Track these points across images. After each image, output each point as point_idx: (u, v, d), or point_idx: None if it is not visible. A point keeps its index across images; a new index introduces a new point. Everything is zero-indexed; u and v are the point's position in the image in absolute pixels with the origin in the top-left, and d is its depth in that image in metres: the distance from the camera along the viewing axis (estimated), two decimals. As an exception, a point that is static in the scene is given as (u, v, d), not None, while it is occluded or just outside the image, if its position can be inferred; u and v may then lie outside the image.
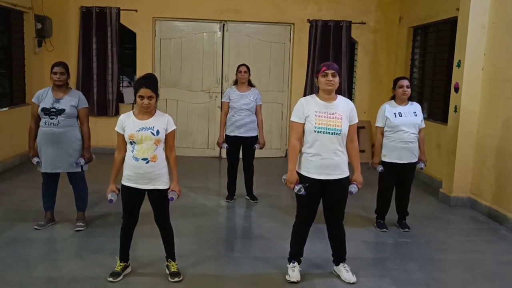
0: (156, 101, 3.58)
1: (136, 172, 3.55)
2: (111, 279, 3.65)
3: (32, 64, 7.83)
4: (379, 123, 4.91)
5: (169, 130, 3.61)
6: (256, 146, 5.73)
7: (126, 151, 3.62)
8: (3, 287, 3.55)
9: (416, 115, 4.86)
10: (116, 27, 8.20)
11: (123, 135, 3.57)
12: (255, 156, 5.86)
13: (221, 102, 6.05)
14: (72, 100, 4.50)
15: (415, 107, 4.91)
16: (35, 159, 4.56)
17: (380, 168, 4.89)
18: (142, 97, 3.48)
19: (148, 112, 3.54)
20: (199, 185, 6.58)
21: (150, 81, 3.55)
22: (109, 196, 3.63)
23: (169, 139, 3.63)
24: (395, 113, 4.81)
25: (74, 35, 8.25)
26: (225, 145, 5.72)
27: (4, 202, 5.49)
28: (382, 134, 4.90)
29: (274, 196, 6.16)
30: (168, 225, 3.77)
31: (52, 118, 4.44)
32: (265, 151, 8.03)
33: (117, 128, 3.60)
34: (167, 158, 3.66)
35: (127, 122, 3.56)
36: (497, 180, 5.50)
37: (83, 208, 4.80)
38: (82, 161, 4.57)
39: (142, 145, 3.52)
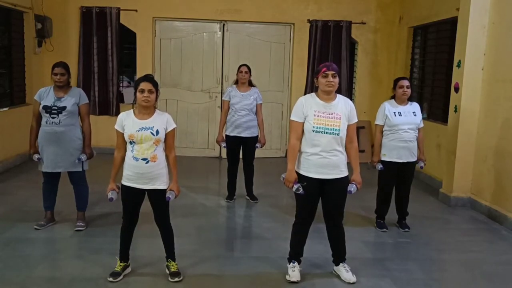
0: (156, 100, 3.59)
1: (135, 172, 3.55)
2: (111, 279, 3.65)
3: (32, 64, 7.83)
4: (378, 121, 4.92)
5: (169, 129, 3.61)
6: (258, 145, 5.73)
7: (126, 149, 3.62)
8: (3, 287, 3.55)
9: (415, 115, 4.87)
10: (116, 27, 8.20)
11: (123, 134, 3.58)
12: (255, 156, 5.87)
13: (222, 101, 6.06)
14: (73, 98, 4.52)
15: (415, 107, 4.91)
16: (36, 156, 4.56)
17: (379, 166, 4.89)
18: (142, 91, 3.49)
19: (147, 107, 3.54)
20: (199, 185, 6.58)
21: (150, 77, 3.60)
22: (109, 195, 3.63)
23: (169, 138, 3.63)
24: (394, 112, 4.82)
25: (74, 35, 8.25)
26: (223, 144, 5.73)
27: (4, 202, 5.49)
28: (381, 133, 4.91)
29: (274, 196, 6.16)
30: (168, 225, 3.77)
31: (53, 117, 4.45)
32: (265, 151, 8.03)
33: (116, 126, 3.60)
34: (166, 158, 3.66)
35: (127, 122, 3.56)
36: (497, 180, 5.50)
37: (84, 208, 4.80)
38: (84, 156, 4.57)
39: (142, 145, 3.52)
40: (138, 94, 3.51)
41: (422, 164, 5.03)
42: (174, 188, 3.63)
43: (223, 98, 5.85)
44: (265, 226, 5.10)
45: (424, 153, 5.05)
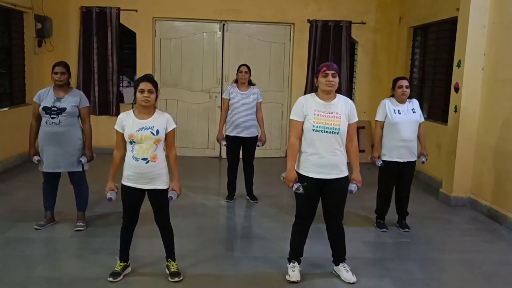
0: (156, 99, 3.59)
1: (136, 172, 3.55)
2: (111, 279, 3.65)
3: (32, 64, 7.83)
4: (379, 117, 4.90)
5: (169, 129, 3.61)
6: (259, 143, 5.74)
7: (125, 149, 3.63)
8: (3, 287, 3.55)
9: (414, 112, 4.86)
10: (116, 27, 8.20)
11: (122, 134, 3.58)
12: (255, 156, 5.87)
13: (222, 99, 6.07)
14: (73, 100, 4.52)
15: (413, 103, 4.90)
16: (36, 158, 4.56)
17: (379, 162, 4.89)
18: (142, 91, 3.49)
19: (147, 107, 3.54)
20: (199, 185, 6.58)
21: (150, 77, 3.61)
22: (108, 195, 3.63)
23: (169, 137, 3.63)
24: (394, 110, 4.82)
25: (74, 35, 8.25)
26: (223, 143, 5.74)
27: (4, 202, 5.49)
28: (382, 129, 4.90)
29: (274, 196, 6.15)
30: (168, 225, 3.77)
31: (53, 118, 4.45)
32: (265, 151, 8.04)
33: (116, 127, 3.61)
34: (167, 157, 3.66)
35: (127, 122, 3.57)
36: (497, 180, 5.50)
37: (84, 208, 4.80)
38: (84, 159, 4.57)
39: (142, 145, 3.52)
40: (138, 94, 3.52)
41: (423, 159, 5.02)
42: (176, 188, 3.63)
43: (223, 96, 5.86)
44: (265, 226, 5.11)
45: (426, 148, 5.05)
